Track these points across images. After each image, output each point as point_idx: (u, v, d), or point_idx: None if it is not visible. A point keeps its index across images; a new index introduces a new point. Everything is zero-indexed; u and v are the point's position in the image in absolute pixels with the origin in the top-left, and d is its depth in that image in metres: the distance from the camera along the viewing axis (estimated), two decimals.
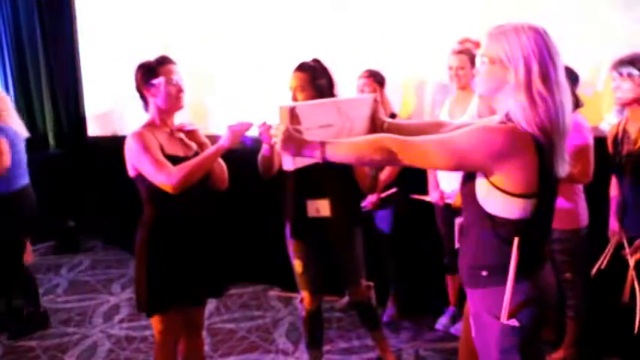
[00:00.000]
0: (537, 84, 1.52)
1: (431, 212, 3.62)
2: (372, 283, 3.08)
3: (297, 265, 2.97)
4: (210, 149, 2.39)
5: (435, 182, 3.56)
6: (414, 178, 3.64)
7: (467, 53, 3.32)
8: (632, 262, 2.61)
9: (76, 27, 6.50)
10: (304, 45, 4.32)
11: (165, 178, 2.27)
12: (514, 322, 1.61)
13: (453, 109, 3.42)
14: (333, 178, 2.81)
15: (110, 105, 6.25)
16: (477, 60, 1.69)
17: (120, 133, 6.04)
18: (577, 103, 2.87)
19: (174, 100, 2.41)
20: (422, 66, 3.94)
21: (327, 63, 2.86)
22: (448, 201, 3.44)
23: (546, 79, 1.52)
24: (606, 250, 2.81)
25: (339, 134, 1.87)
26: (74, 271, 5.39)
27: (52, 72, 6.66)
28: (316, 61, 2.85)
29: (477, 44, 3.30)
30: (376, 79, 3.68)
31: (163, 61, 2.42)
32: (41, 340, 3.87)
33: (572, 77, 2.86)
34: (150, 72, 2.40)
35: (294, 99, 2.76)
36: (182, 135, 2.52)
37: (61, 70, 6.66)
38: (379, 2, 4.04)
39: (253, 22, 4.74)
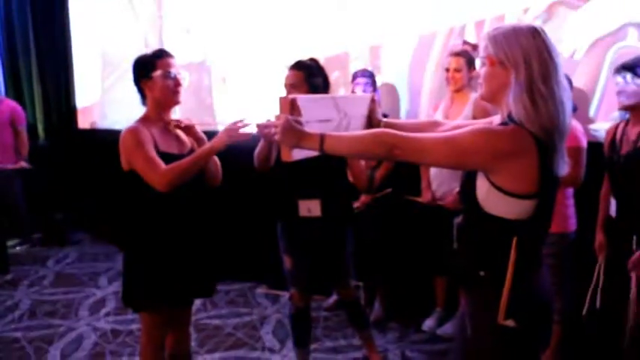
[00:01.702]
0: (538, 84, 1.53)
1: (419, 212, 3.64)
2: (360, 283, 3.11)
3: (288, 262, 2.99)
4: (204, 148, 2.36)
5: (427, 183, 3.58)
6: (405, 179, 3.68)
7: (464, 55, 3.33)
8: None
9: (69, 16, 6.48)
10: (299, 43, 4.34)
11: (156, 176, 2.26)
12: (511, 323, 1.61)
13: (447, 112, 3.43)
14: (326, 178, 2.83)
15: (101, 97, 6.24)
16: (477, 62, 1.69)
17: (110, 126, 6.04)
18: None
19: (171, 95, 2.38)
20: (417, 67, 3.96)
21: (323, 62, 2.89)
22: (440, 202, 3.47)
23: (547, 78, 1.53)
24: (595, 276, 2.86)
25: (337, 130, 1.87)
26: (61, 264, 5.37)
27: (43, 61, 6.62)
28: (313, 60, 2.86)
29: (475, 46, 3.33)
30: (373, 79, 3.72)
31: (161, 55, 2.40)
32: (26, 331, 3.85)
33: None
34: (147, 65, 2.38)
35: None
36: (178, 131, 2.50)
37: (52, 59, 6.62)
38: (375, 3, 4.07)
39: (254, 17, 4.74)
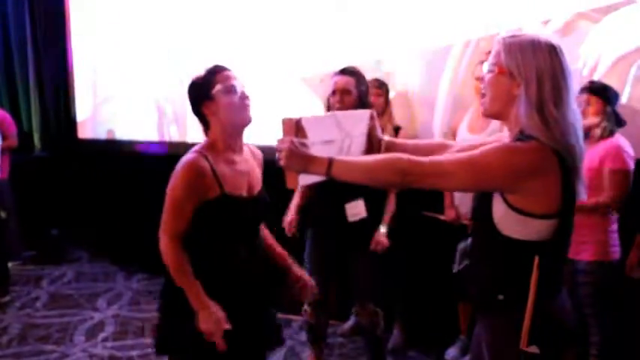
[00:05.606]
0: (550, 106, 1.55)
1: (442, 231, 3.59)
2: (380, 311, 3.08)
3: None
4: (195, 298, 2.06)
5: (450, 199, 3.55)
6: (423, 195, 3.62)
7: None
8: None
9: (69, 24, 6.52)
10: (311, 56, 4.38)
11: (164, 239, 2.10)
12: (534, 349, 1.60)
13: (473, 124, 3.41)
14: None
15: (102, 106, 6.26)
16: (484, 66, 1.70)
17: (112, 136, 6.05)
18: (619, 122, 2.87)
19: (239, 111, 2.13)
20: (432, 76, 3.94)
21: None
22: (465, 222, 3.41)
23: (558, 102, 1.55)
24: None
25: (340, 151, 1.87)
26: (56, 284, 5.35)
27: (40, 68, 6.67)
28: (355, 67, 2.98)
29: None
30: (385, 90, 3.67)
31: (215, 70, 2.18)
32: (15, 358, 3.82)
33: (612, 95, 2.88)
34: (204, 85, 2.15)
35: (340, 101, 2.87)
36: (250, 161, 2.29)
37: (50, 65, 6.67)
38: (386, 6, 4.06)
39: (263, 29, 4.74)
